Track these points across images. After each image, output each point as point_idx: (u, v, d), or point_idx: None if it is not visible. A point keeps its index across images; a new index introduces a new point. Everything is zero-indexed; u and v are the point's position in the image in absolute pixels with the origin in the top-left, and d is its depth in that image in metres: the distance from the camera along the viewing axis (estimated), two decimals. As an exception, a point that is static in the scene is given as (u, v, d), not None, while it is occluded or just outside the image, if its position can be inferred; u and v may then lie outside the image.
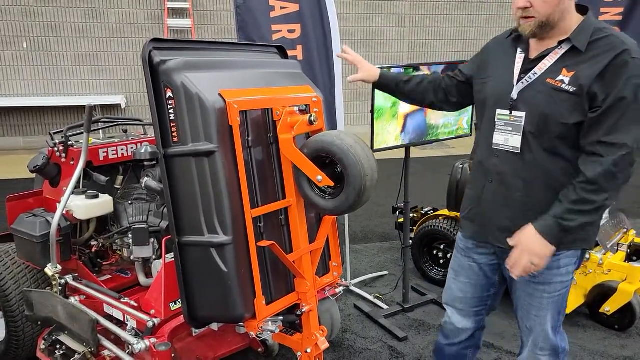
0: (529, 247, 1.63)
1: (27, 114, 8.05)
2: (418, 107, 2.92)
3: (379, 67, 2.16)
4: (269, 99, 2.01)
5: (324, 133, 2.01)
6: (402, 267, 3.37)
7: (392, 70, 2.82)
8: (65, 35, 7.91)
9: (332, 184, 1.92)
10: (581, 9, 1.66)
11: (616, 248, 3.16)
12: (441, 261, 3.63)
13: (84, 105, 2.49)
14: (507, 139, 1.73)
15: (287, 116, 1.98)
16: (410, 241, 3.60)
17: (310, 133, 2.12)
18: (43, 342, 2.44)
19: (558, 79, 1.61)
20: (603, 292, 3.00)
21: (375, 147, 2.91)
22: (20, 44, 7.81)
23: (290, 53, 2.76)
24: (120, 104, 7.89)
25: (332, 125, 3.14)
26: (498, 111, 1.75)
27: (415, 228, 3.74)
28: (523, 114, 1.68)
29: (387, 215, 4.66)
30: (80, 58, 8.03)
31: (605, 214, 3.31)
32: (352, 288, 3.50)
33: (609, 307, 2.97)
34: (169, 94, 1.83)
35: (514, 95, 1.70)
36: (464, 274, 1.99)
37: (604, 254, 3.01)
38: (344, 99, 3.32)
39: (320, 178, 1.90)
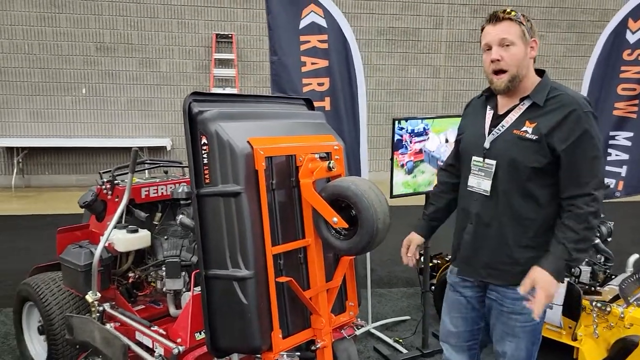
0: (549, 290, 1.78)
1: (80, 154, 8.63)
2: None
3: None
4: (293, 146, 2.19)
5: (341, 179, 2.17)
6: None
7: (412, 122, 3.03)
8: (120, 82, 8.55)
9: (346, 225, 2.07)
10: (539, 72, 1.94)
11: (638, 302, 3.11)
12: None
13: (132, 147, 2.76)
14: (480, 182, 1.97)
15: (309, 162, 2.16)
16: (433, 287, 3.64)
17: (331, 178, 2.29)
18: (79, 364, 2.63)
19: (523, 129, 1.87)
20: (625, 346, 2.93)
21: (394, 193, 3.04)
22: (80, 90, 8.50)
23: (319, 104, 2.98)
24: (165, 146, 8.36)
25: (357, 170, 3.31)
26: (473, 158, 2.00)
27: (437, 274, 3.78)
28: (494, 162, 1.93)
29: (413, 261, 4.70)
30: (133, 103, 8.63)
31: (630, 268, 3.29)
32: (373, 331, 3.55)
33: (632, 362, 2.91)
34: (204, 140, 2.05)
35: (487, 145, 1.96)
36: (454, 309, 2.14)
37: (626, 308, 2.98)
38: (369, 146, 3.51)
39: (336, 220, 2.05)
